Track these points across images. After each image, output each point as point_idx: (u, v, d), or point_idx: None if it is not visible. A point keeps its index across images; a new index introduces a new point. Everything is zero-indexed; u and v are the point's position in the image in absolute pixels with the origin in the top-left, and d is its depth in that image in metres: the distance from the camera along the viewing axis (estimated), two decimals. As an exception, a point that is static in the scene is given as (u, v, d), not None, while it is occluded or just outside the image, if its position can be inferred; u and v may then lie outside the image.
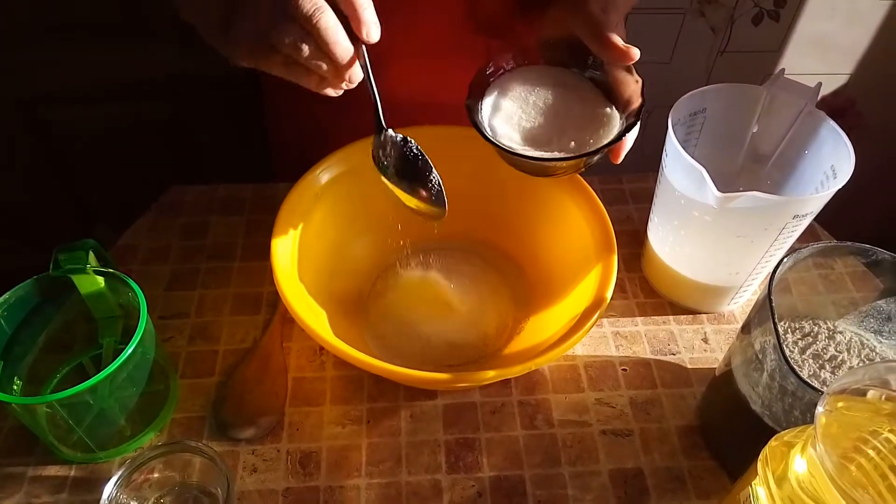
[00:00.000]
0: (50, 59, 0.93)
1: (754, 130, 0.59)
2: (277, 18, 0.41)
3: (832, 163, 0.54)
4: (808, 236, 0.68)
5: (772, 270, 0.45)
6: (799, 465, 0.35)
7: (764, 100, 0.57)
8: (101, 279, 0.51)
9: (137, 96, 0.98)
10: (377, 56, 0.61)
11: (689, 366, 0.58)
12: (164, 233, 0.67)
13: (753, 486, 0.38)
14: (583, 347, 0.59)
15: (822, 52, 1.14)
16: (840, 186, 0.50)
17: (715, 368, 0.56)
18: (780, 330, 0.51)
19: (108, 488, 0.45)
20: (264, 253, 0.52)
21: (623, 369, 0.58)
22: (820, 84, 0.56)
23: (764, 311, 0.44)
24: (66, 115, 0.98)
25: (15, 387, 0.50)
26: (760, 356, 0.45)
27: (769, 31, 1.10)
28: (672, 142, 0.53)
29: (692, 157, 0.51)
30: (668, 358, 0.59)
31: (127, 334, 0.48)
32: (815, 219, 0.71)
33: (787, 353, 0.49)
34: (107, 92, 0.97)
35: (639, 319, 0.61)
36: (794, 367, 0.42)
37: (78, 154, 1.03)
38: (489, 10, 0.61)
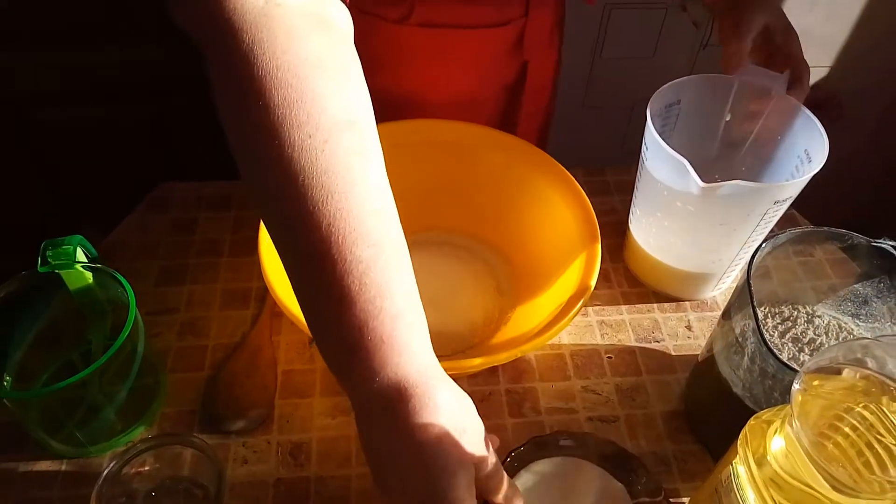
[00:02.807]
0: (37, 59, 0.93)
1: (727, 119, 0.60)
2: None
3: (806, 147, 0.55)
4: (788, 225, 0.69)
5: (751, 257, 0.46)
6: (777, 443, 0.36)
7: (735, 89, 0.58)
8: (89, 275, 0.52)
9: (125, 95, 0.98)
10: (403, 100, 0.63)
11: (673, 353, 0.59)
12: (153, 229, 0.67)
13: (734, 464, 0.39)
14: (568, 336, 0.60)
15: (803, 44, 1.14)
16: (816, 170, 0.52)
17: (698, 355, 0.57)
18: (760, 315, 0.53)
19: (99, 482, 0.45)
20: (252, 248, 0.53)
21: (608, 357, 0.59)
22: (788, 71, 0.57)
23: (744, 296, 0.45)
24: (53, 115, 0.98)
25: (5, 383, 0.50)
26: (741, 340, 0.46)
27: (750, 25, 1.11)
28: (652, 134, 0.54)
29: (669, 148, 0.51)
30: (653, 345, 0.60)
31: (116, 330, 0.48)
32: (796, 208, 0.72)
33: (767, 336, 0.50)
34: (95, 91, 0.96)
35: (623, 308, 0.62)
36: (774, 349, 0.43)
37: (66, 153, 1.03)
38: None
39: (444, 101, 0.68)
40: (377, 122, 0.60)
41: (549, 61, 0.71)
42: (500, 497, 0.39)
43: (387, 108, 0.66)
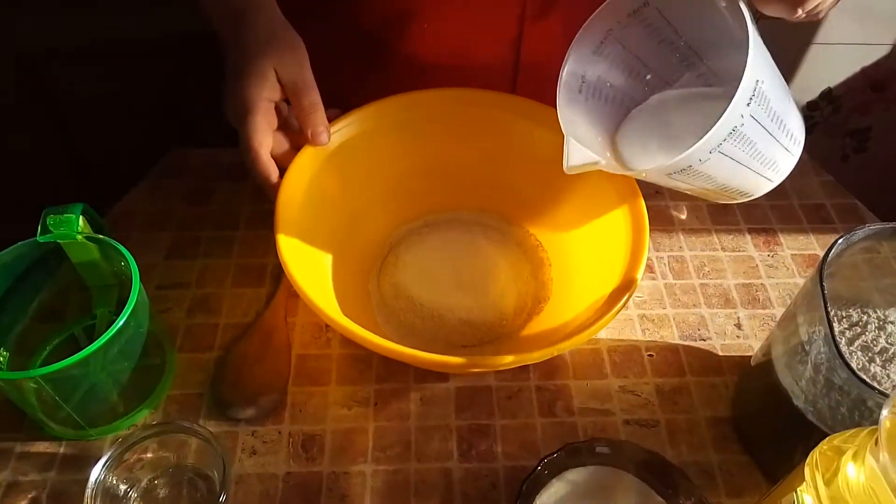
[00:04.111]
0: (52, 16, 0.90)
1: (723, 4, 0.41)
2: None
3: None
4: (850, 218, 0.64)
5: (823, 255, 0.41)
6: (852, 473, 0.32)
7: None
8: (93, 246, 0.48)
9: (141, 56, 0.95)
10: (408, 20, 0.58)
11: (720, 353, 0.54)
12: (166, 198, 0.64)
13: (799, 492, 0.35)
14: (607, 331, 0.55)
15: (864, 20, 1.07)
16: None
17: (749, 356, 0.52)
18: (829, 319, 0.47)
19: (97, 470, 0.42)
20: (270, 221, 0.48)
21: (649, 355, 0.54)
22: None
23: (814, 298, 0.40)
24: (67, 74, 0.95)
25: (1, 358, 0.47)
26: (807, 347, 0.41)
27: (809, -2, 1.03)
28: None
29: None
30: (698, 344, 0.55)
31: (123, 304, 0.45)
32: (860, 199, 0.66)
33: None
34: (110, 51, 0.93)
35: (667, 302, 0.57)
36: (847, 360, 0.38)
37: (79, 114, 1.00)
38: None
39: (452, 66, 0.62)
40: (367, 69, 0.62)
41: (551, 28, 0.61)
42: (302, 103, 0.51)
43: (375, 43, 0.61)
